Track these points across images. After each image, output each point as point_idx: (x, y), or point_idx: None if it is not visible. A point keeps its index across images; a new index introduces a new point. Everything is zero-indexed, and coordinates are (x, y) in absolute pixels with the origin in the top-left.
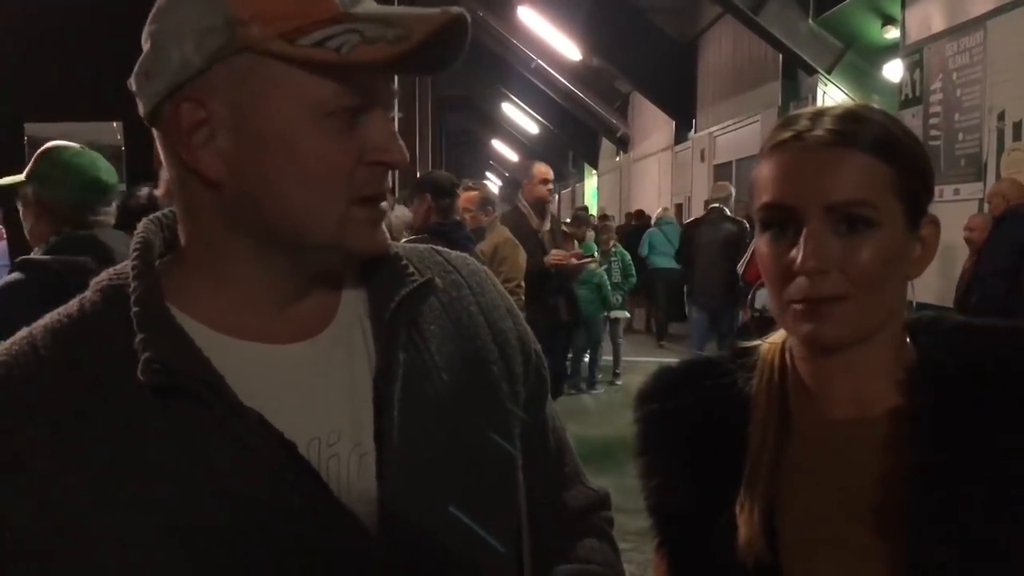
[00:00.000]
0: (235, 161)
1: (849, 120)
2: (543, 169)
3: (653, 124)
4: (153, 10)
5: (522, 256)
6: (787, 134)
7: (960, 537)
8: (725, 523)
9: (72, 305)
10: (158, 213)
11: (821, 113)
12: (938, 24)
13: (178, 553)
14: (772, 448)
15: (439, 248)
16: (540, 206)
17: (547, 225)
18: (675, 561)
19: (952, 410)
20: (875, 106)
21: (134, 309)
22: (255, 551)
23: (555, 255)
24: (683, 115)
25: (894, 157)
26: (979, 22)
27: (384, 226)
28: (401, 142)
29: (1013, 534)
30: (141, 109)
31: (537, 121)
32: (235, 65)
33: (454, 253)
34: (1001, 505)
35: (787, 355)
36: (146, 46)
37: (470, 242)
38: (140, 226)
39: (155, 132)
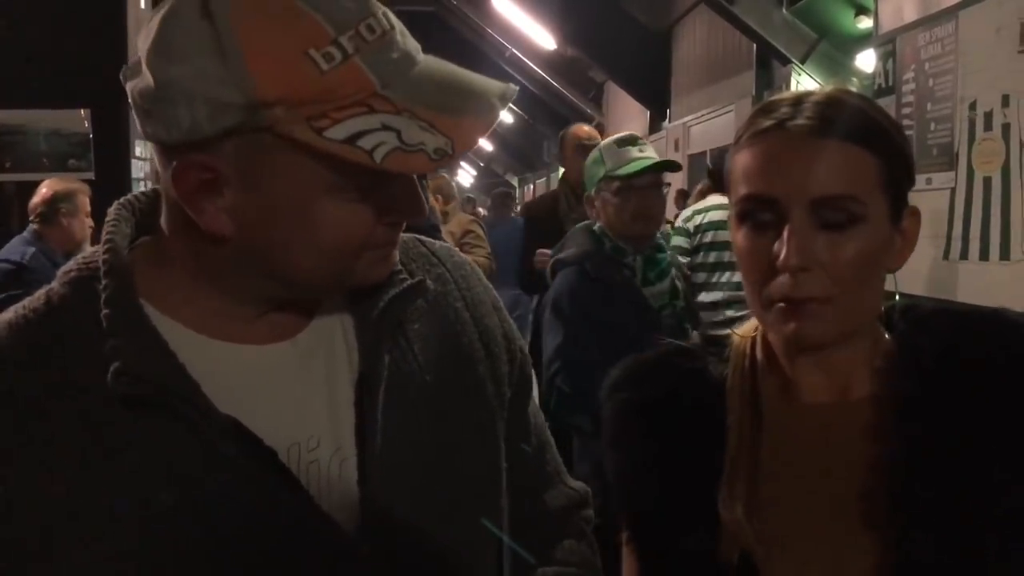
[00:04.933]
0: (243, 220)
1: (833, 107)
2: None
3: (627, 114)
4: (155, 34)
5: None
6: (768, 122)
7: (949, 524)
8: (704, 518)
9: (39, 298)
10: (129, 196)
11: (801, 99)
12: (910, 14)
13: (152, 566)
14: (750, 444)
15: (422, 238)
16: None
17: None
18: (648, 556)
19: (933, 396)
20: (854, 90)
21: (104, 311)
22: (233, 561)
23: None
24: (657, 105)
25: (879, 147)
26: (951, 12)
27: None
28: (422, 195)
29: (1001, 519)
30: (141, 132)
31: (512, 111)
32: (251, 140)
33: (438, 244)
34: (988, 490)
35: (759, 345)
36: (147, 78)
37: (435, 231)
38: (111, 213)
39: (153, 148)
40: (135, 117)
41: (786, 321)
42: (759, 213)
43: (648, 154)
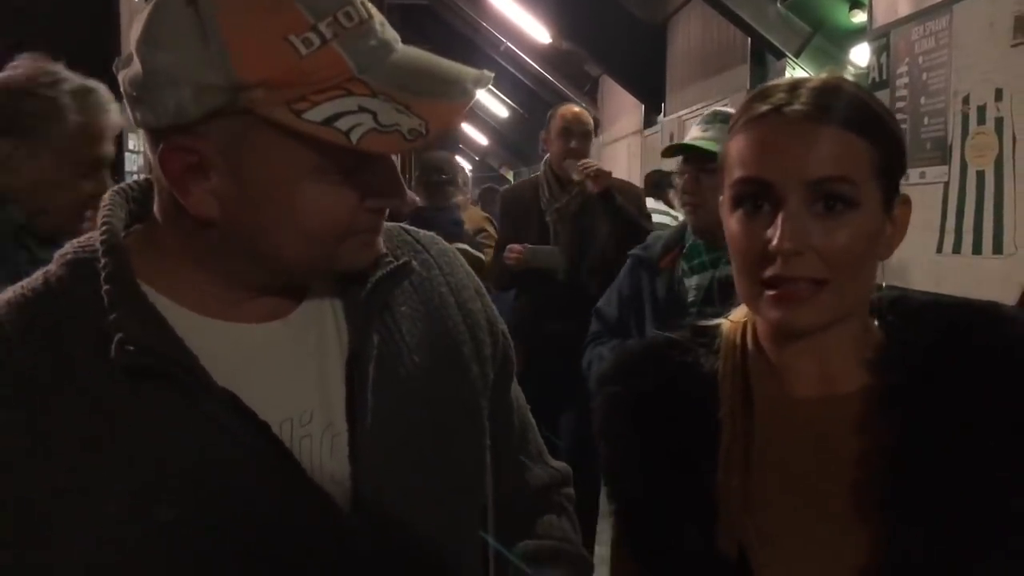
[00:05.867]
0: (228, 202)
1: (829, 94)
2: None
3: (622, 108)
4: (144, 24)
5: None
6: (765, 107)
7: (940, 519)
8: (698, 513)
9: (36, 279)
10: (123, 184)
11: (797, 85)
12: (904, 8)
13: (148, 535)
14: (743, 437)
15: (407, 227)
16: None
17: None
18: (642, 553)
19: (923, 389)
20: (849, 79)
21: (105, 287)
22: (226, 532)
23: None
24: (652, 99)
25: (874, 135)
26: (945, 6)
27: (380, 236)
28: (402, 181)
29: (991, 512)
30: (129, 117)
31: (507, 105)
32: (234, 123)
33: (422, 232)
34: (979, 484)
35: (749, 334)
36: (136, 64)
37: (457, 227)
38: (106, 198)
39: (143, 135)
40: (127, 109)
41: (776, 307)
42: (753, 197)
43: (694, 135)
